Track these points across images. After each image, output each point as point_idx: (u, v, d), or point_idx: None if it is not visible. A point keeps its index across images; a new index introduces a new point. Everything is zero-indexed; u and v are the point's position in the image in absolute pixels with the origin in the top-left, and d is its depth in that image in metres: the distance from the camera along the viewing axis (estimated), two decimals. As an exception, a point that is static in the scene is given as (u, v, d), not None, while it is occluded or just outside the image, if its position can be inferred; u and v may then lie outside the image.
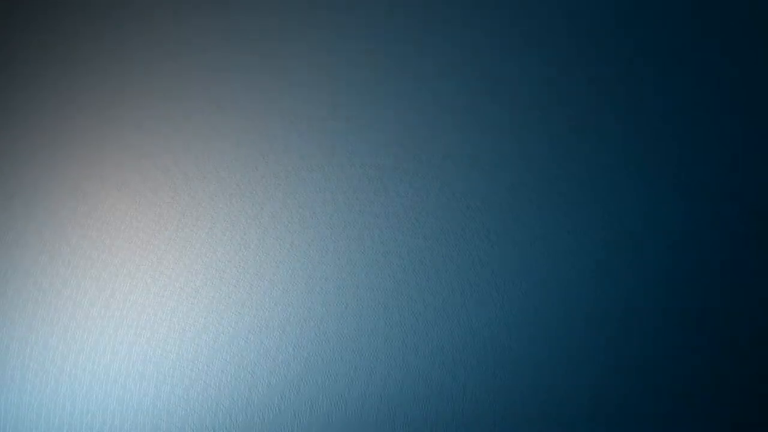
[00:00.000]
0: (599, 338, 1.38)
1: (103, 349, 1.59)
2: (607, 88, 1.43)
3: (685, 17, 1.40)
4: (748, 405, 1.29)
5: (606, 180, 1.41)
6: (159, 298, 1.58)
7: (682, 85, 1.38)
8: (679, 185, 1.38)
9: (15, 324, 1.65)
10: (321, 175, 1.53)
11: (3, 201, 1.71)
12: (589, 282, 1.39)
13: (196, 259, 1.58)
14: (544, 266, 1.42)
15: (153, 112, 1.64)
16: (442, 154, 1.48)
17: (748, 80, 1.34)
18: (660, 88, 1.39)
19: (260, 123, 1.59)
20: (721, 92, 1.36)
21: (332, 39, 1.57)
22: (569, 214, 1.42)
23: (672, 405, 1.32)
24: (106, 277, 1.61)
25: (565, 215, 1.42)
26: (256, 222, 1.56)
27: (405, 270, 1.46)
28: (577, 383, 1.38)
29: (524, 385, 1.40)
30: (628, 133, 1.41)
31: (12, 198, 1.70)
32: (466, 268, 1.44)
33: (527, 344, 1.40)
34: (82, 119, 1.68)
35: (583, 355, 1.38)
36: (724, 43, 1.37)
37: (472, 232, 1.45)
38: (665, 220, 1.38)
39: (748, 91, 1.33)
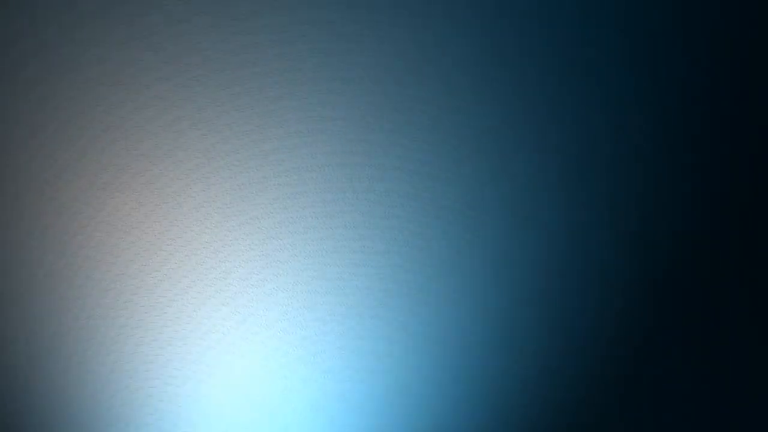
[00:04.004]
0: (602, 339, 1.37)
1: (107, 350, 1.60)
2: (603, 90, 1.42)
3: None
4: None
5: (612, 183, 1.40)
6: (162, 300, 1.58)
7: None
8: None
9: (18, 326, 1.66)
10: (321, 175, 1.53)
11: (7, 203, 1.72)
12: (591, 281, 1.39)
13: (201, 260, 1.58)
14: (547, 266, 1.41)
15: (155, 113, 1.64)
16: (445, 155, 1.48)
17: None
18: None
19: (262, 124, 1.58)
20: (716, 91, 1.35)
21: (334, 40, 1.56)
22: (574, 214, 1.41)
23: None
24: (110, 279, 1.62)
25: (570, 216, 1.41)
26: (258, 223, 1.56)
27: (407, 271, 1.46)
28: (587, 382, 1.37)
29: (535, 400, 1.39)
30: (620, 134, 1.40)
31: (16, 200, 1.70)
32: (468, 269, 1.44)
33: (532, 349, 1.40)
34: (84, 121, 1.68)
35: (590, 350, 1.38)
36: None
37: (474, 233, 1.44)
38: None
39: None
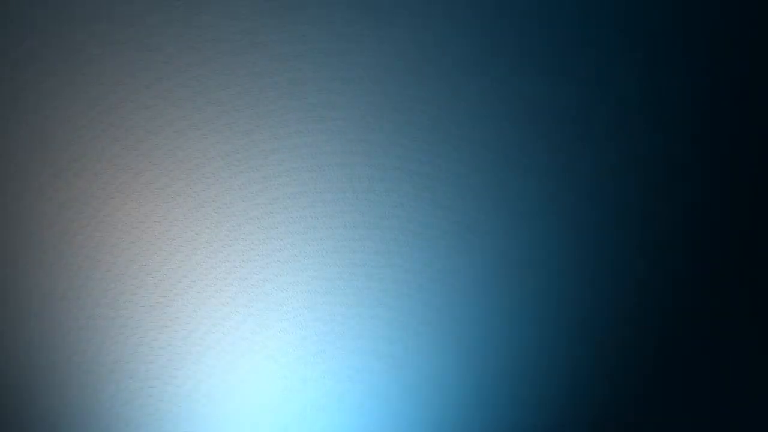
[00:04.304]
0: (590, 336, 1.37)
1: (107, 350, 1.60)
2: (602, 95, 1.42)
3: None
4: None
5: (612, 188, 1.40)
6: (162, 300, 1.58)
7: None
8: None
9: (19, 328, 1.66)
10: (321, 175, 1.53)
11: (7, 203, 1.72)
12: (591, 282, 1.39)
13: (201, 260, 1.58)
14: (546, 266, 1.41)
15: (155, 113, 1.65)
16: (445, 155, 1.48)
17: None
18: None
19: (262, 124, 1.58)
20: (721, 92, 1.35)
21: (334, 40, 1.56)
22: (574, 214, 1.41)
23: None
24: (110, 279, 1.62)
25: (570, 215, 1.41)
26: (258, 223, 1.56)
27: (407, 271, 1.46)
28: (586, 382, 1.37)
29: (531, 402, 1.39)
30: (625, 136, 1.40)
31: (16, 200, 1.70)
32: (468, 269, 1.44)
33: (531, 349, 1.40)
34: (84, 121, 1.68)
35: (589, 351, 1.38)
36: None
37: (474, 233, 1.44)
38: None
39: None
